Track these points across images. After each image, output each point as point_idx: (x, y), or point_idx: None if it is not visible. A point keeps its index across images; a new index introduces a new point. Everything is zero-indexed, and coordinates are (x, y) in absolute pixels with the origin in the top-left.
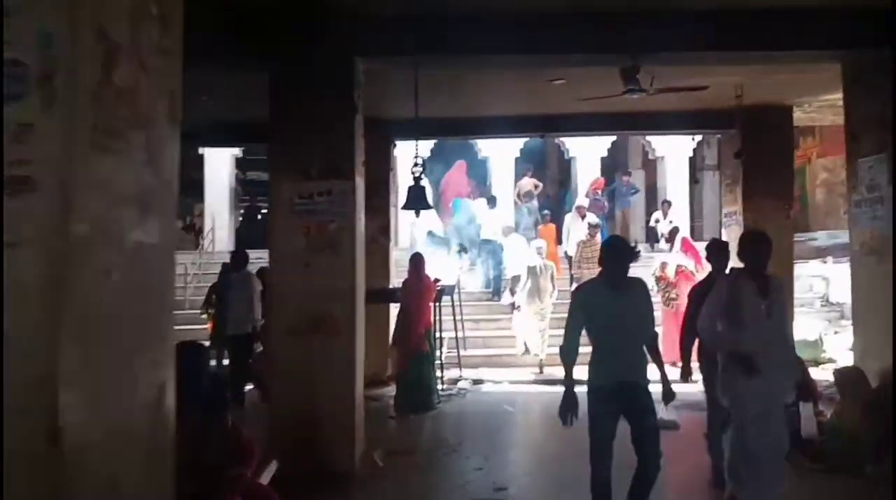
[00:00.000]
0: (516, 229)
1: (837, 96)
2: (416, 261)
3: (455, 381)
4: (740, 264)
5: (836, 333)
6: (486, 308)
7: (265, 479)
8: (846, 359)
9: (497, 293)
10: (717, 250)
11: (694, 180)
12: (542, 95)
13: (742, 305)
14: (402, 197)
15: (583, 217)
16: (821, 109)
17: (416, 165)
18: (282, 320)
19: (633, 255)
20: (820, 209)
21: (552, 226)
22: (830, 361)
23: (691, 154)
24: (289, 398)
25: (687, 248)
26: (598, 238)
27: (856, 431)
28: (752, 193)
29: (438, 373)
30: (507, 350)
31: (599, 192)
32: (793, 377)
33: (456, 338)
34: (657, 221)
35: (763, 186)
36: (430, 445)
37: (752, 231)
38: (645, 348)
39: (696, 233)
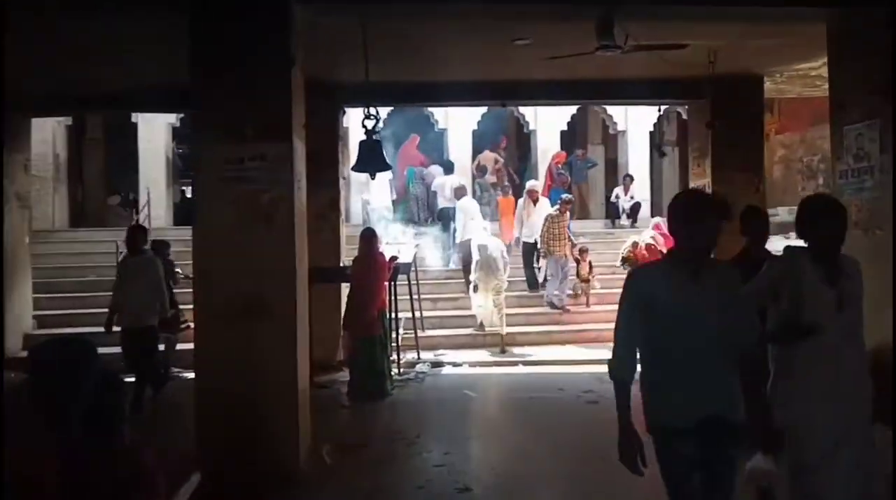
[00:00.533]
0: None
1: (811, 65)
2: (368, 237)
3: (412, 364)
4: (799, 242)
5: None
6: (445, 287)
7: None
8: None
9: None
10: (752, 219)
11: (661, 154)
12: (504, 58)
13: (803, 294)
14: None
15: (535, 201)
16: (791, 79)
17: (367, 117)
18: (209, 305)
19: (724, 211)
20: (777, 186)
21: (512, 199)
22: None
23: (652, 128)
24: (220, 394)
25: (658, 230)
26: (568, 215)
27: None
28: (722, 165)
29: (394, 357)
30: (467, 331)
31: (561, 165)
32: (870, 394)
33: (413, 319)
34: (617, 196)
35: (732, 158)
36: (385, 437)
37: (822, 197)
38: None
39: (655, 209)
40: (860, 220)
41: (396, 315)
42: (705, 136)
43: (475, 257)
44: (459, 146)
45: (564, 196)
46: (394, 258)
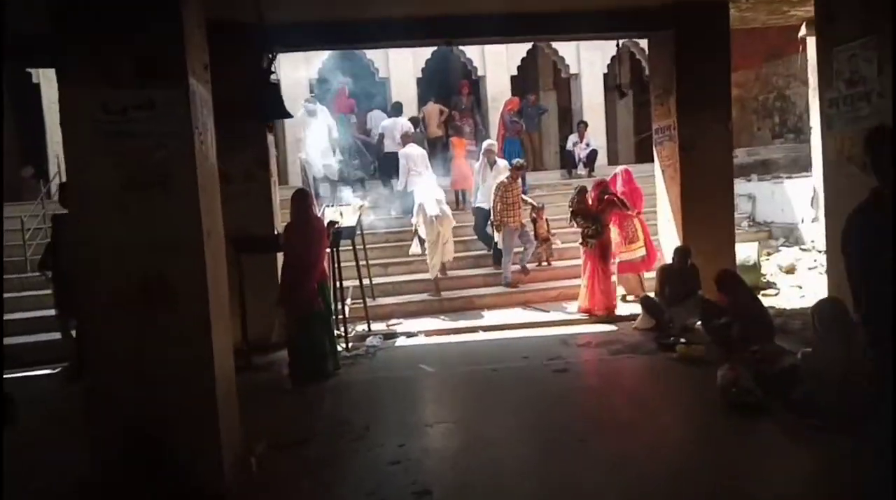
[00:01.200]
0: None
1: None
2: (300, 200)
3: (363, 338)
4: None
5: (768, 255)
6: (397, 250)
7: None
8: (785, 283)
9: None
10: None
11: (621, 94)
12: None
13: None
14: (289, 129)
15: (492, 164)
16: (757, 5)
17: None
18: (96, 291)
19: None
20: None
21: (464, 140)
22: (770, 286)
23: (606, 70)
24: (115, 401)
25: (628, 181)
26: (520, 182)
27: (844, 378)
28: (688, 104)
29: (341, 331)
30: (422, 297)
31: (514, 112)
32: None
33: (361, 287)
34: (575, 144)
35: (699, 95)
36: (330, 431)
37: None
38: None
39: (612, 156)
40: (854, 154)
41: (341, 285)
42: (669, 72)
43: (422, 223)
44: (403, 97)
45: (516, 161)
46: (332, 223)
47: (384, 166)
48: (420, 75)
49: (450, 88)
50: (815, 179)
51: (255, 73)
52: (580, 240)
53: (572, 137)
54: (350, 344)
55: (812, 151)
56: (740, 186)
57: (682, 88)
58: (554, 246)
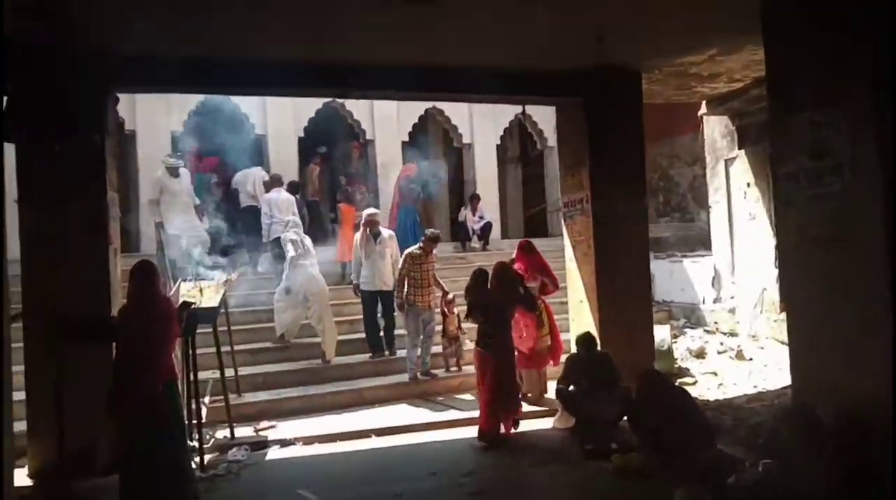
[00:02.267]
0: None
1: (692, 58)
2: (142, 275)
3: (223, 449)
4: None
5: (674, 337)
6: (266, 333)
7: None
8: (696, 369)
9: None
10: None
11: (524, 163)
12: (331, 27)
13: None
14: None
15: (375, 236)
16: (667, 77)
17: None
18: None
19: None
20: None
21: (353, 208)
22: (685, 373)
23: (499, 142)
24: None
25: (519, 259)
26: (434, 256)
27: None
28: (602, 176)
29: (195, 441)
30: (300, 391)
31: (411, 178)
32: None
33: (223, 381)
34: (464, 217)
35: (614, 168)
36: None
37: None
38: None
39: (504, 231)
40: (824, 236)
41: (195, 379)
42: (580, 142)
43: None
44: (282, 157)
45: (430, 232)
46: (186, 305)
47: (243, 224)
48: (303, 134)
49: (335, 149)
50: (716, 257)
51: (94, 116)
52: (476, 340)
53: (465, 210)
54: (206, 460)
55: (712, 230)
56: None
57: (594, 160)
58: (464, 347)
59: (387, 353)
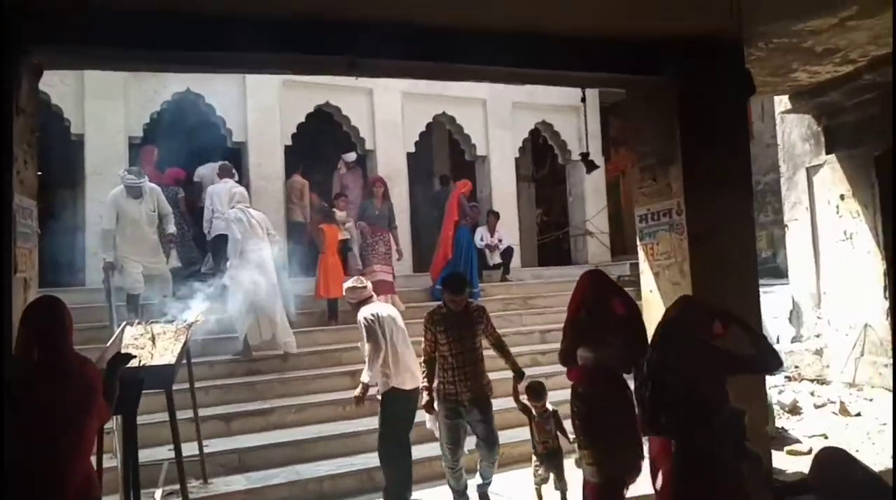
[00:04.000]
0: None
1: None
2: (42, 320)
3: None
4: None
5: None
6: (245, 390)
7: None
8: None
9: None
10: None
11: (589, 165)
12: None
13: None
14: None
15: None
16: (770, 54)
17: None
18: None
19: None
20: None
21: (335, 228)
22: (783, 435)
23: (518, 155)
24: None
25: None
26: (480, 312)
27: None
28: (700, 178)
29: None
30: (282, 477)
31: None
32: None
33: (179, 466)
34: (481, 238)
35: (715, 167)
36: None
37: None
38: None
39: (525, 258)
40: None
41: (135, 470)
42: (667, 132)
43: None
44: (266, 169)
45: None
46: (122, 359)
47: (215, 254)
48: (290, 142)
49: (327, 161)
50: (794, 287)
51: None
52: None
53: (481, 230)
54: None
55: (789, 253)
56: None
57: (689, 157)
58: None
59: None
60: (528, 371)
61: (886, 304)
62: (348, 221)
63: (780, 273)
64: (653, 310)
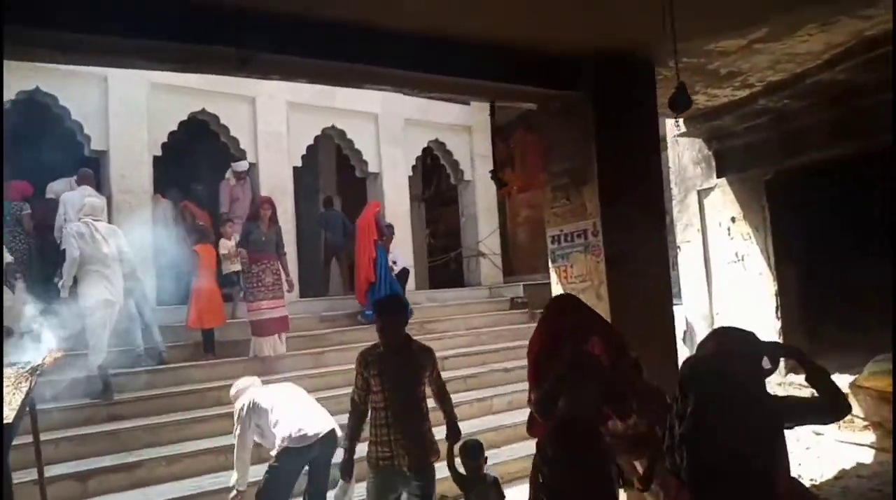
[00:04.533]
0: None
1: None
2: None
3: None
4: None
5: None
6: (108, 440)
7: None
8: None
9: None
10: None
11: (500, 183)
12: None
13: None
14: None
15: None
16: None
17: None
18: None
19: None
20: (524, 251)
21: (210, 247)
22: None
23: (411, 173)
24: None
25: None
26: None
27: None
28: (614, 196)
29: None
30: None
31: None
32: None
33: None
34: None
35: (627, 185)
36: None
37: None
38: None
39: (419, 281)
40: None
41: None
42: (583, 150)
43: None
44: (130, 183)
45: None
46: None
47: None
48: (159, 152)
49: (201, 171)
50: (687, 307)
51: None
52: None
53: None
54: None
55: (681, 274)
56: None
57: (605, 175)
58: None
59: None
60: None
61: (779, 323)
62: (237, 252)
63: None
64: None
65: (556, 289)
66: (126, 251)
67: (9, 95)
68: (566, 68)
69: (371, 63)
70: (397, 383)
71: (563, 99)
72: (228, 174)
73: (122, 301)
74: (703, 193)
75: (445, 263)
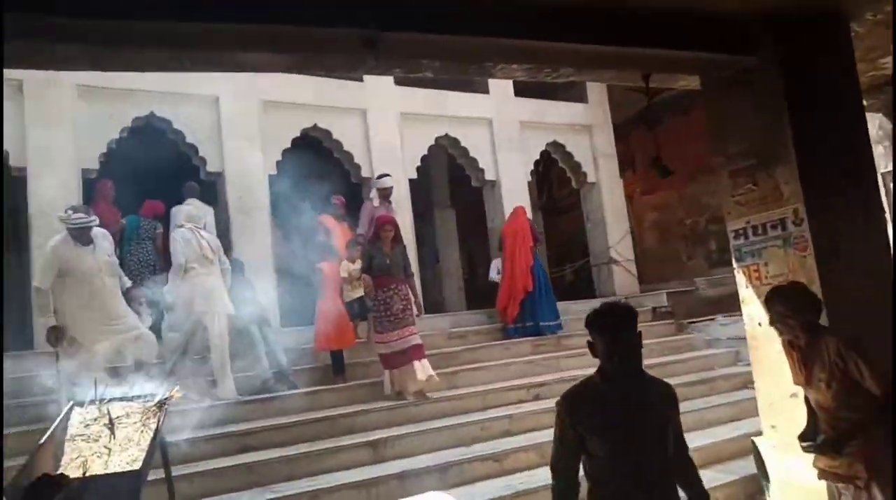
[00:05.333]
0: None
1: None
2: None
3: None
4: None
5: None
6: (241, 473)
7: None
8: None
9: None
10: None
11: (663, 171)
12: None
13: None
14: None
15: None
16: (872, 29)
17: None
18: None
19: None
20: (653, 256)
21: (336, 264)
22: None
23: (530, 179)
24: None
25: None
26: None
27: None
28: (817, 177)
29: None
30: None
31: None
32: None
33: None
34: (497, 272)
35: (835, 164)
36: None
37: None
38: None
39: None
40: None
41: None
42: (769, 123)
43: None
44: (247, 203)
45: None
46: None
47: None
48: (275, 171)
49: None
50: None
51: None
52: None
53: (496, 262)
54: None
55: None
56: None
57: (804, 150)
58: None
59: None
60: None
61: None
62: (361, 278)
63: None
64: (764, 347)
65: (746, 293)
66: (224, 261)
67: (125, 121)
68: (738, 30)
69: (550, 39)
70: (630, 433)
71: (735, 66)
72: (372, 193)
73: (230, 310)
74: (885, 177)
75: (574, 272)
